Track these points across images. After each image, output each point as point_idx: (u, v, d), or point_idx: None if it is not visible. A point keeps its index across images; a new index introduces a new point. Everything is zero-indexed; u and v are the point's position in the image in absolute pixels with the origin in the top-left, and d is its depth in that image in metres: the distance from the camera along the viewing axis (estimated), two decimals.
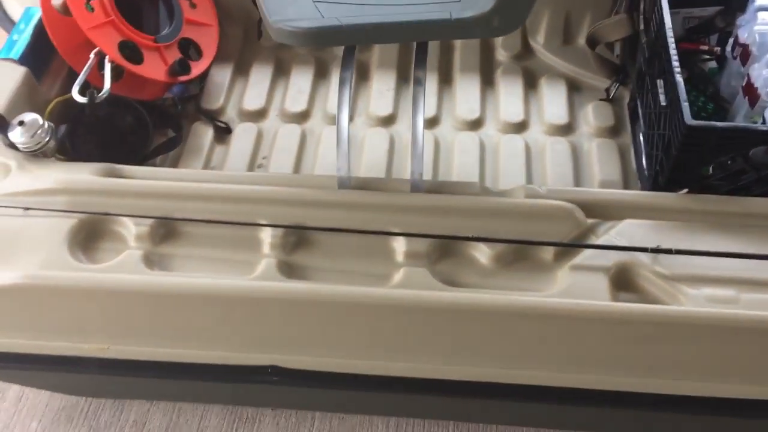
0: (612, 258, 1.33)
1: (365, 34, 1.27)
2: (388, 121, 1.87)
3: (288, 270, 1.35)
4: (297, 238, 1.39)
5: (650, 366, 1.32)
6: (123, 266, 1.33)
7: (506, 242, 1.35)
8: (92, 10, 1.67)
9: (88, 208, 1.39)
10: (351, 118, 1.86)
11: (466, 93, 1.91)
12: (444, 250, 1.38)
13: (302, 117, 1.90)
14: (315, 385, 1.39)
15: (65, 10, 1.74)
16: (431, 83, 1.93)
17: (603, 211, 1.40)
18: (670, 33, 1.52)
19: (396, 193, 1.41)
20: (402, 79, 1.96)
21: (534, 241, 1.35)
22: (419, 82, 1.38)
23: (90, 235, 1.39)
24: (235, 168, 1.78)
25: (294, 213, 1.39)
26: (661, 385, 1.34)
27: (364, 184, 1.44)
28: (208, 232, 1.39)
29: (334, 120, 1.87)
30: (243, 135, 1.85)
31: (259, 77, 1.98)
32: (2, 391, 1.80)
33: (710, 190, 1.45)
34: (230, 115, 1.91)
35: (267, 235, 1.38)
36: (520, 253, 1.38)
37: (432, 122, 1.87)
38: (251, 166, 1.79)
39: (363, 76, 1.97)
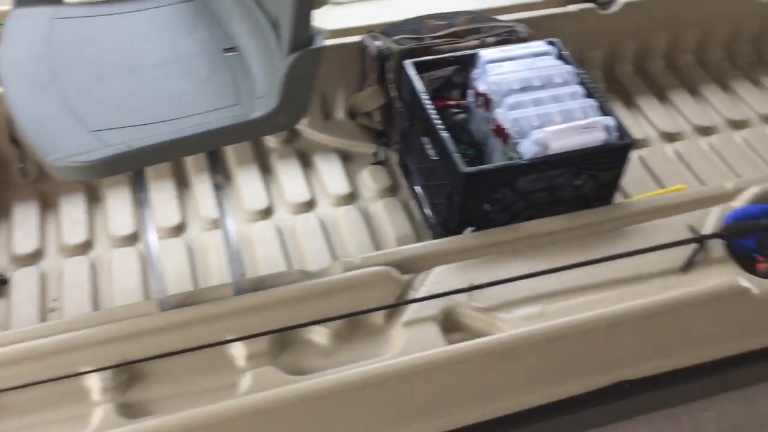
0: (436, 305, 1.44)
1: (160, 153, 1.26)
2: (179, 229, 1.84)
3: (128, 411, 1.27)
4: (129, 374, 1.32)
5: (490, 392, 1.44)
6: None
7: (336, 319, 1.40)
8: None
9: None
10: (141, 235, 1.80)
11: (250, 185, 1.95)
12: (284, 342, 1.39)
13: (86, 247, 1.79)
14: None
15: None
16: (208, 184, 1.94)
17: (415, 265, 1.52)
18: (425, 97, 1.71)
19: (221, 300, 1.40)
20: (182, 185, 1.94)
21: (361, 311, 1.42)
22: (220, 187, 1.39)
23: None
24: (24, 320, 1.62)
25: (120, 349, 1.31)
26: (501, 408, 1.47)
27: (186, 299, 1.40)
28: (26, 398, 1.26)
29: (121, 243, 1.80)
30: (23, 282, 1.69)
31: (24, 216, 1.83)
32: None
33: (492, 223, 1.64)
34: (1, 263, 1.74)
35: (95, 381, 1.29)
36: (354, 324, 1.43)
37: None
38: (43, 314, 1.64)
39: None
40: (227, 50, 1.55)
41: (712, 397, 1.82)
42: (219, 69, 1.50)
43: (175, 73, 1.48)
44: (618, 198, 1.84)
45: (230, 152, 2.02)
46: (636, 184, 1.99)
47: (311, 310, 1.40)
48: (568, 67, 1.77)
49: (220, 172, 1.41)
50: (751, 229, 1.52)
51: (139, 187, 1.36)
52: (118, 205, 1.87)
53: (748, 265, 1.54)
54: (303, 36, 1.30)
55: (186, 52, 1.54)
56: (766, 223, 1.53)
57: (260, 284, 1.45)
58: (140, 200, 1.35)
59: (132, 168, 1.33)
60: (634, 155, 2.09)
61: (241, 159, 2.01)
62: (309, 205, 1.93)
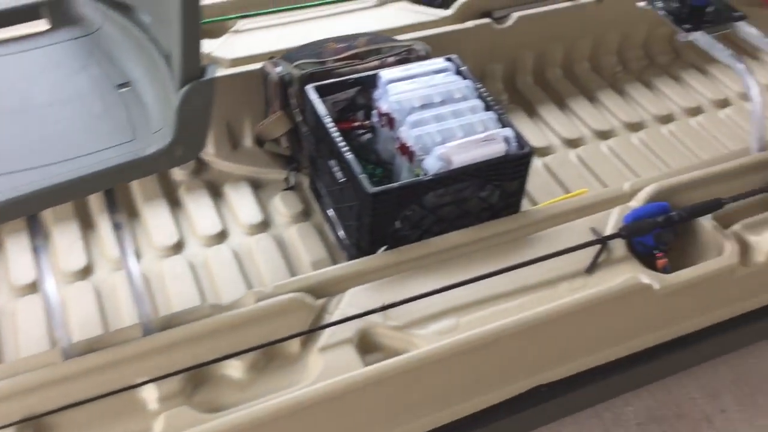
0: (352, 328, 1.44)
1: (53, 196, 1.22)
2: (86, 272, 1.78)
3: None
4: (35, 428, 1.26)
5: (411, 410, 1.45)
6: None
7: (249, 351, 1.38)
8: None
9: None
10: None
11: (158, 220, 1.90)
12: (197, 379, 1.36)
13: None
14: None
15: None
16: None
17: (328, 289, 1.52)
18: (328, 120, 1.71)
19: (128, 342, 1.36)
20: (87, 226, 1.88)
21: (275, 340, 1.40)
22: (120, 226, 1.36)
23: None
24: None
25: (23, 404, 1.25)
26: (423, 425, 1.48)
27: (92, 345, 1.36)
28: None
29: (23, 291, 1.72)
30: None
31: None
32: None
33: (404, 240, 1.65)
34: None
35: None
36: (270, 354, 1.42)
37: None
38: None
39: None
40: (121, 86, 1.52)
41: (632, 391, 1.89)
42: (113, 105, 1.47)
43: (66, 113, 1.44)
44: (526, 205, 1.89)
45: (136, 188, 1.98)
46: (542, 190, 2.05)
47: (224, 344, 1.37)
48: (467, 82, 1.81)
49: (118, 212, 1.37)
50: (648, 226, 1.58)
51: (34, 232, 1.31)
52: (18, 252, 1.79)
53: (649, 261, 1.60)
54: (193, 68, 1.29)
55: (77, 90, 1.50)
56: (662, 220, 1.59)
57: (170, 322, 1.42)
58: (35, 246, 1.30)
59: (24, 214, 1.28)
60: (539, 163, 2.15)
61: (147, 194, 1.96)
62: (221, 237, 1.90)
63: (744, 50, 2.41)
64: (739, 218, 1.63)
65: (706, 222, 1.63)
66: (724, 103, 2.38)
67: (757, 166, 1.73)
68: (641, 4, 2.02)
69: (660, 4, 1.98)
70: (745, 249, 1.59)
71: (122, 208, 1.90)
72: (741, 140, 2.15)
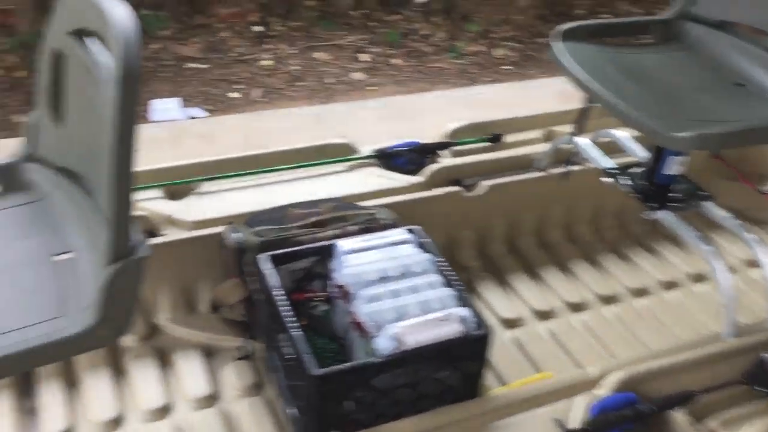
0: None
1: None
2: None
3: None
4: None
5: None
6: None
7: None
8: None
9: None
10: None
11: (97, 392, 1.78)
12: None
13: None
14: None
15: None
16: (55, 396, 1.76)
17: None
18: (277, 292, 1.64)
19: None
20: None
21: None
22: (33, 412, 1.24)
23: None
24: None
25: None
26: None
27: None
28: None
29: None
30: None
31: None
32: None
33: (356, 424, 1.53)
34: None
35: None
36: None
37: None
38: None
39: None
40: (59, 254, 1.46)
41: None
42: (45, 278, 1.39)
43: None
44: (493, 383, 1.78)
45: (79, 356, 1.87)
46: (510, 366, 1.94)
47: None
48: (428, 256, 1.75)
49: (31, 396, 1.26)
50: (616, 420, 1.46)
51: None
52: None
53: None
54: (122, 245, 1.22)
55: (11, 260, 1.43)
56: (631, 413, 1.47)
57: None
58: None
59: None
60: (508, 335, 2.06)
61: (91, 360, 1.85)
62: (163, 411, 1.77)
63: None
64: (711, 411, 1.51)
65: (679, 416, 1.51)
66: (699, 278, 2.31)
67: (728, 355, 1.63)
68: (606, 179, 2.01)
69: (626, 181, 1.96)
70: None
71: (58, 377, 1.79)
72: (714, 316, 2.07)
